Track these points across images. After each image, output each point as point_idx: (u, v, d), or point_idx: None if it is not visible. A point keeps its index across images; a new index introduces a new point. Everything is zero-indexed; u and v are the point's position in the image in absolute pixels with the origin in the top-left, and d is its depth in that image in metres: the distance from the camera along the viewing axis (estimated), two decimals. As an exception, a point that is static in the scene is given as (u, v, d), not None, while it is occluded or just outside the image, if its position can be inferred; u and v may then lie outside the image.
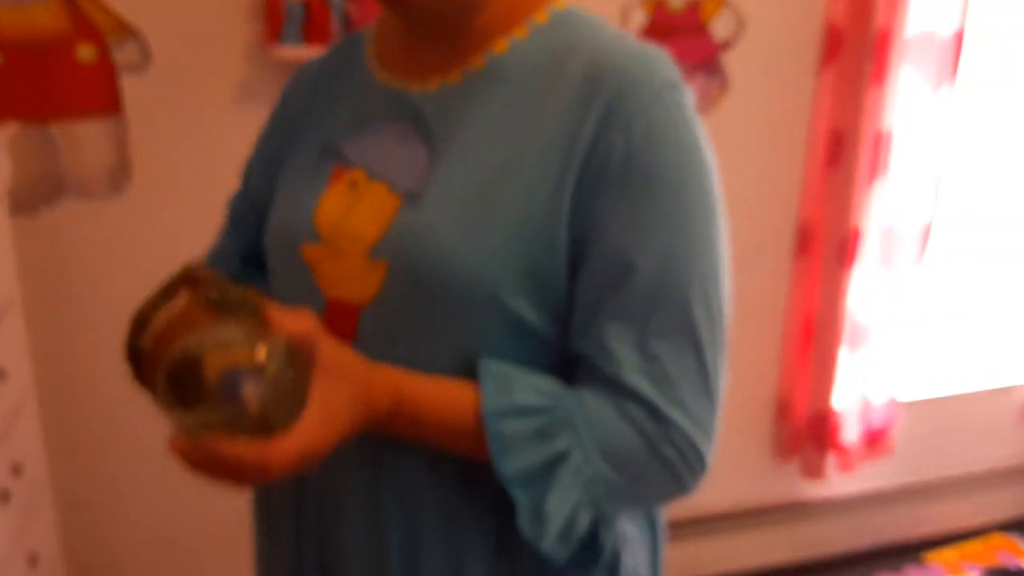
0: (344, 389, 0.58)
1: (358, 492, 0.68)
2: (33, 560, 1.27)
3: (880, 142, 1.75)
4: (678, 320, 0.62)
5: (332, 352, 0.59)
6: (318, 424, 0.55)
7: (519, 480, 0.61)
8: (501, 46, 0.67)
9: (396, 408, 0.62)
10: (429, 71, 0.68)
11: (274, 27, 1.38)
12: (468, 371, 0.64)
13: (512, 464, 0.61)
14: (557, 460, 0.61)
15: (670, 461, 0.62)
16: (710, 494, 1.95)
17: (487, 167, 0.64)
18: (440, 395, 0.63)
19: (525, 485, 0.61)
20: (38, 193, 1.40)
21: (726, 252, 0.66)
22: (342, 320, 0.66)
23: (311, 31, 1.39)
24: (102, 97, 1.39)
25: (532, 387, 0.63)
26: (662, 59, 0.65)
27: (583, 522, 0.63)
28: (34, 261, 1.42)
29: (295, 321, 0.55)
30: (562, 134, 0.63)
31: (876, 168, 1.76)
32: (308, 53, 1.38)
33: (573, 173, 0.62)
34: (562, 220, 0.62)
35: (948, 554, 2.10)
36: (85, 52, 1.37)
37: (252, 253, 0.82)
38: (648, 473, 0.63)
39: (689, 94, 0.66)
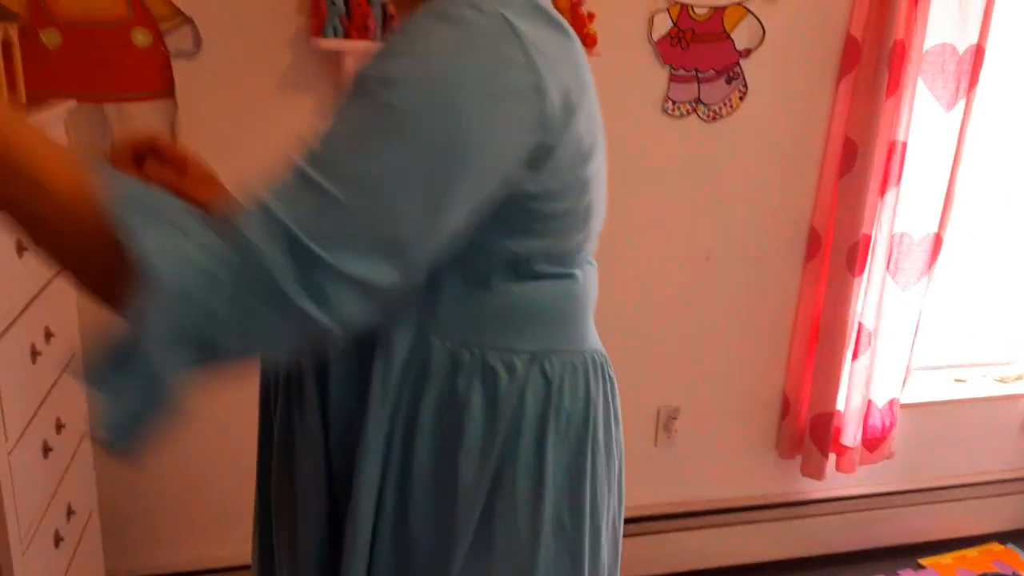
0: None
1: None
2: (70, 512, 1.36)
3: (893, 152, 1.80)
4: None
5: None
6: None
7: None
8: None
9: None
10: None
11: (317, 21, 1.47)
12: None
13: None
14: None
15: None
16: (713, 487, 2.02)
17: None
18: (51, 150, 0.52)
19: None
20: (91, 167, 1.49)
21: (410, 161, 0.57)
22: None
23: (352, 26, 1.47)
24: (154, 80, 1.48)
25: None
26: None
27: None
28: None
29: None
30: None
31: (888, 178, 1.81)
32: (347, 46, 1.46)
33: None
34: None
35: (944, 560, 2.14)
36: (140, 37, 1.46)
37: None
38: None
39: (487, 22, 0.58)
